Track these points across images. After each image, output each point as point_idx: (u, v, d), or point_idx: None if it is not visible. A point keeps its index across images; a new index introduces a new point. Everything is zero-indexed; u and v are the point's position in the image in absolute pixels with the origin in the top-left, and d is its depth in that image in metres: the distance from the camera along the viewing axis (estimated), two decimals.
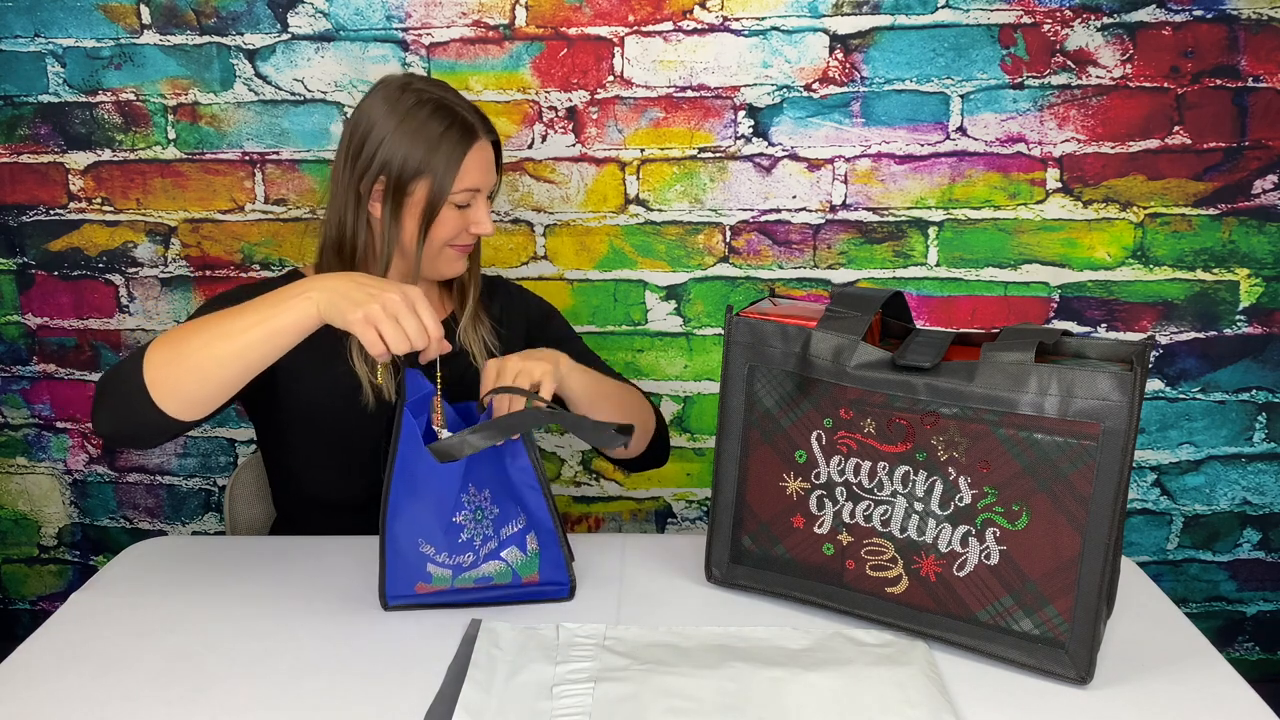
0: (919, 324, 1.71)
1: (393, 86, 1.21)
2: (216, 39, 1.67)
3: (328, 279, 0.98)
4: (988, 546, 0.91)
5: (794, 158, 1.67)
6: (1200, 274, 1.68)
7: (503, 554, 1.01)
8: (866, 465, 0.95)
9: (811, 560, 1.00)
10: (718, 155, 1.68)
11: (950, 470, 0.92)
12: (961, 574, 0.93)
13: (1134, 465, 1.75)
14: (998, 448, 0.89)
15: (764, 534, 1.02)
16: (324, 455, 1.25)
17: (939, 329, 0.98)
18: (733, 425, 1.02)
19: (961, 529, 0.92)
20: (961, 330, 1.00)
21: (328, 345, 1.19)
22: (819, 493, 0.98)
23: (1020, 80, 1.62)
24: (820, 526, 0.99)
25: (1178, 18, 1.58)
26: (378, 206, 1.21)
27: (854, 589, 0.98)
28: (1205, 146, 1.63)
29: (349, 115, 1.24)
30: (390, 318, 0.94)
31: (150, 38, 1.67)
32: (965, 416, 0.90)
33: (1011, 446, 0.89)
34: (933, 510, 0.93)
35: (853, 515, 0.97)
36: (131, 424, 1.00)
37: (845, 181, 1.67)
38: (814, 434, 0.98)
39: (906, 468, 0.94)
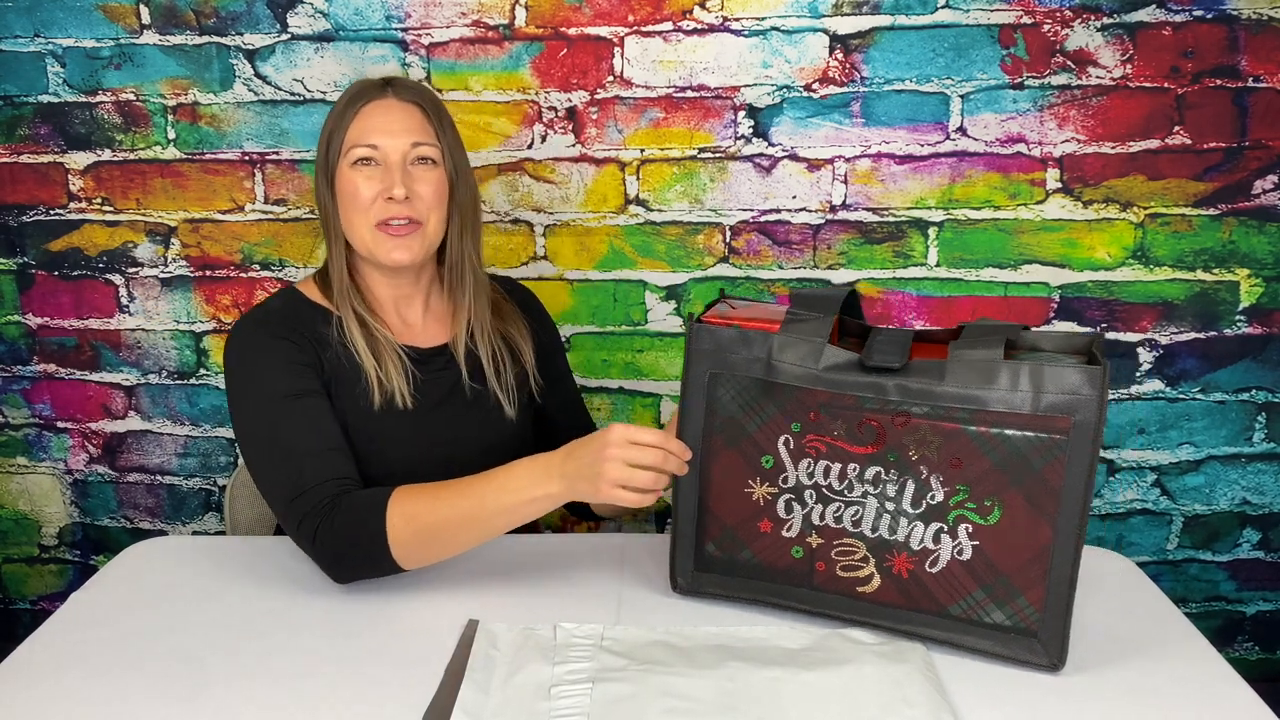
0: (919, 324, 1.72)
1: None
2: (216, 39, 1.67)
3: (551, 466, 1.00)
4: (960, 542, 0.92)
5: (794, 158, 1.67)
6: (1200, 274, 1.68)
7: None
8: (836, 467, 0.95)
9: (780, 564, 0.99)
10: (718, 155, 1.67)
11: (922, 469, 0.92)
12: (934, 570, 0.93)
13: (1134, 465, 1.76)
14: (969, 445, 0.90)
15: (729, 539, 1.01)
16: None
17: (898, 328, 0.98)
18: (692, 432, 1.00)
19: (934, 526, 0.93)
20: (920, 329, 1.00)
21: (348, 369, 1.19)
22: (787, 496, 0.98)
23: (1020, 80, 1.61)
24: (789, 530, 0.98)
25: (1178, 18, 1.58)
26: (326, 200, 1.22)
27: (824, 590, 0.98)
28: (1205, 146, 1.63)
29: None
30: (627, 467, 0.96)
31: (150, 38, 1.67)
32: (937, 415, 0.91)
33: (983, 443, 0.90)
34: (904, 509, 0.93)
35: (822, 517, 0.97)
36: (371, 575, 1.08)
37: (845, 182, 1.67)
38: (782, 438, 0.97)
39: (877, 468, 0.94)
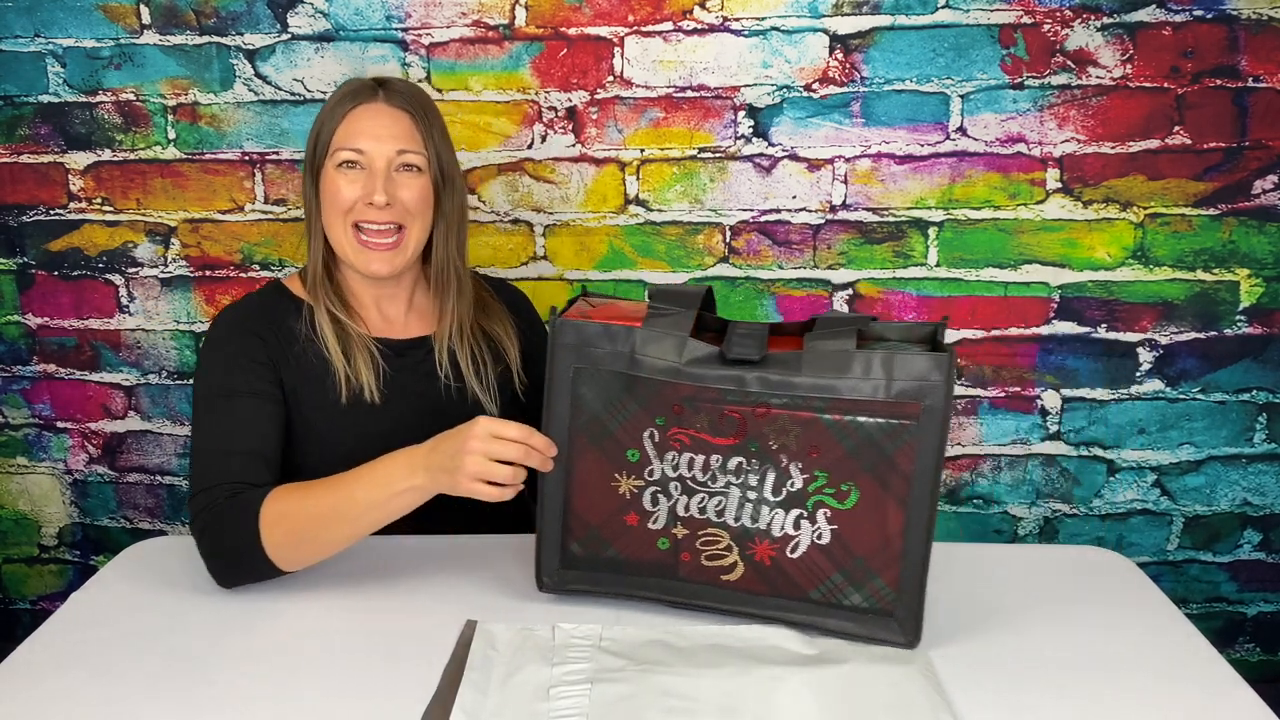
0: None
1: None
2: (216, 39, 1.67)
3: (416, 458, 1.01)
4: (819, 527, 0.95)
5: (794, 158, 1.67)
6: (1200, 274, 1.68)
7: None
8: (700, 459, 0.97)
9: (646, 557, 1.00)
10: (718, 155, 1.67)
11: (782, 458, 0.94)
12: (794, 556, 0.96)
13: (1134, 465, 1.76)
14: (825, 433, 0.92)
15: (593, 538, 1.01)
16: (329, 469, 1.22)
17: (755, 322, 1.00)
18: (559, 430, 1.00)
19: (794, 513, 0.95)
20: (775, 322, 1.02)
21: (318, 365, 1.19)
22: (653, 489, 0.99)
23: (1020, 80, 1.61)
24: (655, 523, 0.99)
25: (1178, 18, 1.58)
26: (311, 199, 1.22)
27: (690, 581, 1.00)
28: (1205, 146, 1.63)
29: None
30: (488, 461, 0.96)
31: (150, 38, 1.67)
32: (795, 405, 0.93)
33: (838, 430, 0.92)
34: (766, 498, 0.95)
35: (687, 509, 0.98)
36: (253, 579, 1.07)
37: (845, 182, 1.67)
38: (646, 432, 0.98)
39: (739, 459, 0.95)
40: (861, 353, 0.92)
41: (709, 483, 0.97)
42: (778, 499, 0.95)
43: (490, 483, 0.97)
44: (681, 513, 0.98)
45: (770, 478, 0.95)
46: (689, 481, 0.97)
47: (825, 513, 0.94)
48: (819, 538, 0.95)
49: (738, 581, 0.98)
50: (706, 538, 0.98)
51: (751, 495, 0.96)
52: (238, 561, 1.05)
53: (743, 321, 1.00)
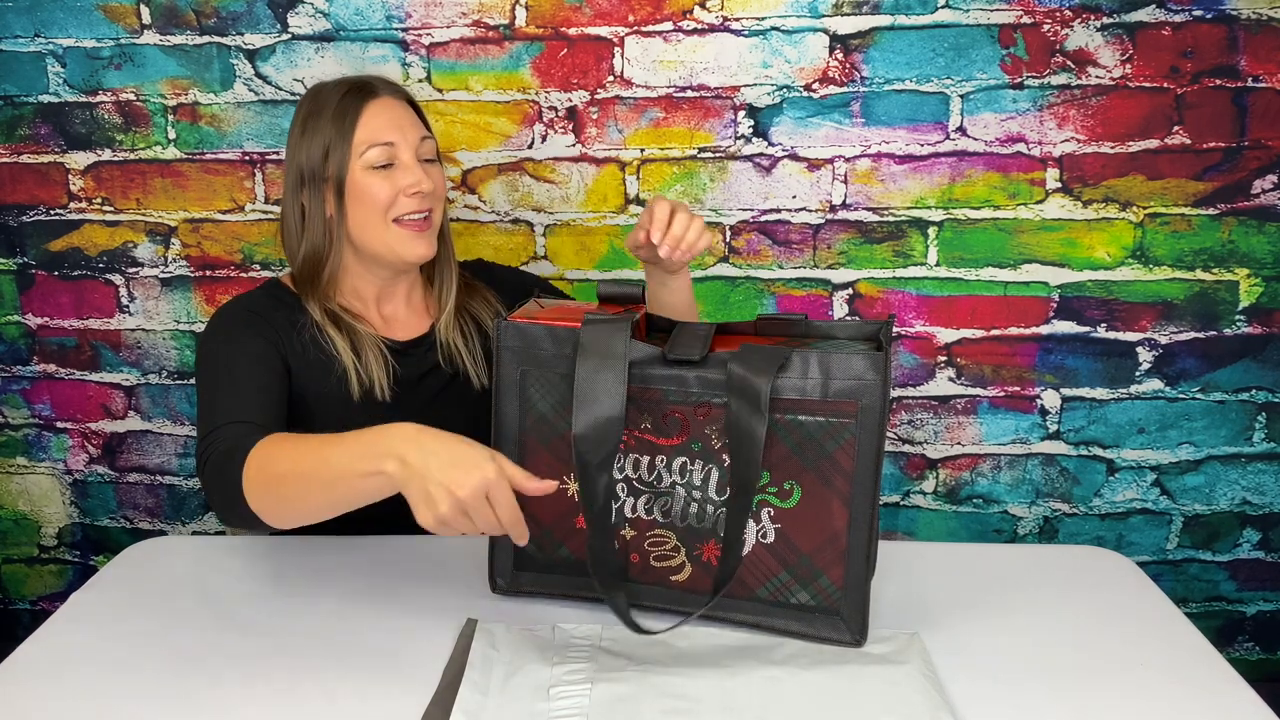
0: (918, 324, 1.72)
1: (304, 95, 1.24)
2: (216, 39, 1.67)
3: (407, 446, 0.86)
4: (763, 526, 0.95)
5: (794, 158, 1.67)
6: (1200, 274, 1.68)
7: None
8: (645, 460, 0.97)
9: None
10: (718, 155, 1.67)
11: (725, 457, 0.94)
12: (740, 555, 0.95)
13: (1133, 465, 1.76)
14: (767, 431, 0.92)
15: (547, 539, 1.01)
16: None
17: (702, 323, 1.01)
18: (508, 432, 1.00)
19: None
20: (722, 322, 1.02)
21: (322, 361, 1.20)
22: None
23: (1020, 80, 1.62)
24: None
25: (1177, 18, 1.58)
26: (326, 207, 1.21)
27: (639, 582, 1.00)
28: (1205, 146, 1.63)
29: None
30: (461, 517, 0.84)
31: (150, 38, 1.67)
32: None
33: (779, 429, 0.92)
34: (710, 497, 0.95)
35: (634, 510, 0.98)
36: (241, 525, 1.02)
37: (845, 181, 1.67)
38: None
39: (683, 458, 0.96)
40: (800, 352, 0.92)
41: (655, 483, 0.97)
42: (722, 498, 0.95)
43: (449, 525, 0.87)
44: (629, 514, 0.98)
45: (714, 477, 0.95)
46: (635, 482, 0.98)
47: (769, 511, 0.94)
48: (764, 536, 0.95)
49: (686, 582, 0.98)
50: (654, 539, 0.98)
51: (697, 495, 0.96)
52: (227, 503, 0.99)
53: (690, 322, 1.01)
